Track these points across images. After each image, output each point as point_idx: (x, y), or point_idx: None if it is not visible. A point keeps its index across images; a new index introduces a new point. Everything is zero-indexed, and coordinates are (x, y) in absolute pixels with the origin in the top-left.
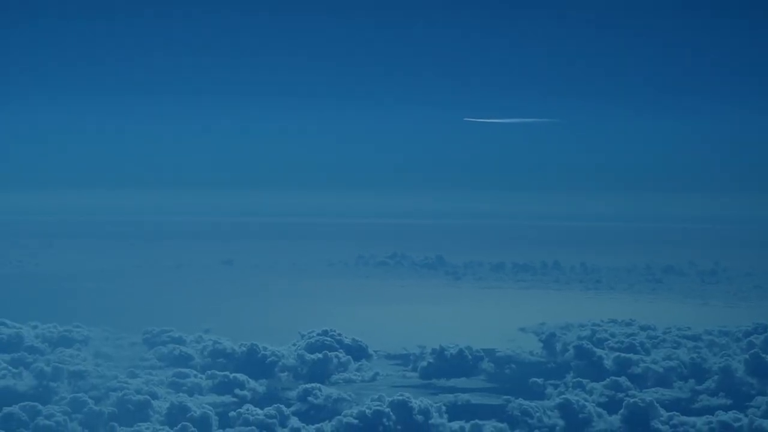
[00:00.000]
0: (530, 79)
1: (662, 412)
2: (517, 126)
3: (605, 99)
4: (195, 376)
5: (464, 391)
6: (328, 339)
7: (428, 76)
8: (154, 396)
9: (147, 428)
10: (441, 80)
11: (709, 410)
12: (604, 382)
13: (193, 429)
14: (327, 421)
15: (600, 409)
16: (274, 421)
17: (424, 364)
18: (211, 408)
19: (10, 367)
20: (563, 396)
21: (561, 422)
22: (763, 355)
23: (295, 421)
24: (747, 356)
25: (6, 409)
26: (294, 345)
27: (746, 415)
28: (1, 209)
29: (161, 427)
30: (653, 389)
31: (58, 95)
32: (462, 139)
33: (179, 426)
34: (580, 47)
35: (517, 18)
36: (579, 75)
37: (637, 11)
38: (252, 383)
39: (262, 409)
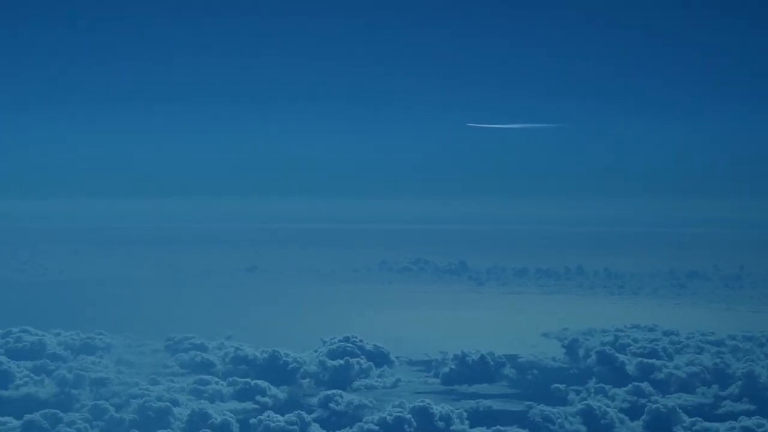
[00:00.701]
0: (536, 83)
1: (684, 417)
2: (527, 131)
3: (618, 102)
4: (216, 382)
5: (486, 397)
6: (350, 345)
7: (432, 79)
8: (175, 403)
9: None
10: (444, 83)
11: (733, 416)
12: (626, 388)
13: None
14: (348, 428)
15: (622, 415)
16: (295, 427)
17: (446, 370)
18: (232, 415)
19: (32, 375)
20: (585, 402)
21: (583, 428)
22: None
23: (316, 428)
24: None
25: (27, 417)
26: (316, 351)
27: None
28: (25, 217)
29: None
30: (676, 395)
31: (85, 104)
32: (479, 145)
33: None
34: (584, 49)
35: (519, 19)
36: (591, 79)
37: (643, 13)
38: (273, 390)
39: (283, 415)
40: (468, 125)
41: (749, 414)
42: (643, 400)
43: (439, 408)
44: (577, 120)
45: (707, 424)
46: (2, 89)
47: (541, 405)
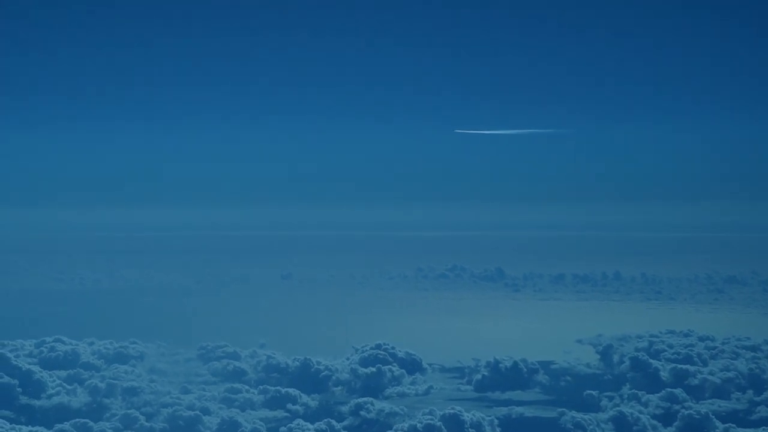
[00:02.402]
0: (543, 89)
1: (718, 424)
2: (540, 136)
3: (640, 103)
4: (247, 391)
5: (519, 404)
6: (382, 353)
7: (426, 86)
8: (206, 411)
9: None
10: (442, 86)
11: (767, 422)
12: (660, 394)
13: None
14: None
15: (655, 422)
16: None
17: (479, 377)
18: (263, 423)
19: (65, 384)
20: (617, 408)
21: None
22: None
23: None
24: None
25: (57, 426)
26: (347, 359)
27: None
28: (63, 226)
29: None
30: (710, 401)
31: (121, 115)
32: (499, 151)
33: None
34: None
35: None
36: (609, 85)
37: (634, 15)
38: (305, 398)
39: (312, 423)
40: (483, 132)
41: None
42: (676, 407)
43: (470, 415)
44: (606, 124)
45: (741, 430)
46: (39, 101)
47: (573, 412)
